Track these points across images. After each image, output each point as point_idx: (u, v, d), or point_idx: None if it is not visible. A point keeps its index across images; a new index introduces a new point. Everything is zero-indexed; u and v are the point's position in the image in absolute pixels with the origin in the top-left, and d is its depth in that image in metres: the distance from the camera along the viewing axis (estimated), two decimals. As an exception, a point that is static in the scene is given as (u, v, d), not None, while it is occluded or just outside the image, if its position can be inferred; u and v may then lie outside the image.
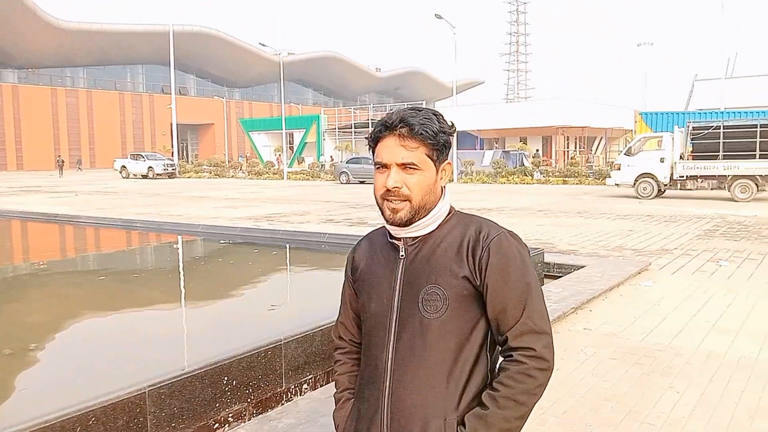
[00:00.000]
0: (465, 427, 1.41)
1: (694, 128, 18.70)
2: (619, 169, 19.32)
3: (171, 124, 45.31)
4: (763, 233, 10.87)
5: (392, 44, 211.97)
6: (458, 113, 36.43)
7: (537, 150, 40.94)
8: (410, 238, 1.50)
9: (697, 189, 18.53)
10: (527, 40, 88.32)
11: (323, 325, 4.36)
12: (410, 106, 1.62)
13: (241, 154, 60.47)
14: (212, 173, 40.17)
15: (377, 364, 1.49)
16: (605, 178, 26.59)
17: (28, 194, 24.92)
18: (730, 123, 18.64)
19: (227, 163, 45.78)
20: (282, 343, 4.06)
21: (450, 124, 1.52)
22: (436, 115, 1.49)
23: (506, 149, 37.36)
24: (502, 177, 29.10)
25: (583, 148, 45.16)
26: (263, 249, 9.13)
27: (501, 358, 1.48)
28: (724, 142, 17.74)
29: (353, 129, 47.34)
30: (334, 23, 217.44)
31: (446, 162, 1.51)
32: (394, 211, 1.46)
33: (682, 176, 18.38)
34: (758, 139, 17.36)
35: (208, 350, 3.95)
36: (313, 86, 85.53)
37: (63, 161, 45.92)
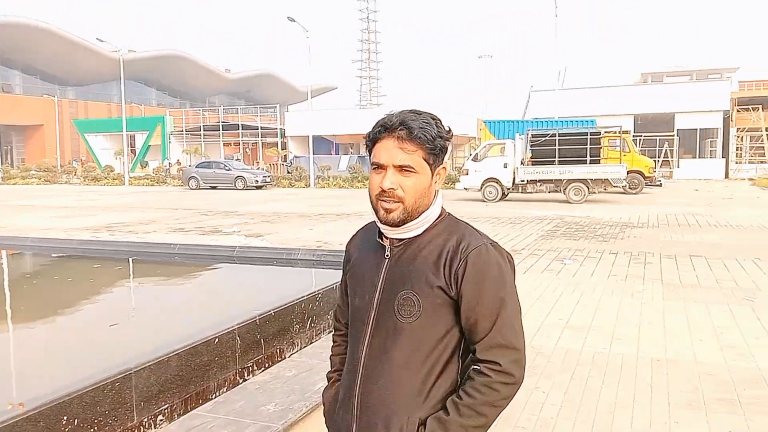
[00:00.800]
0: (425, 428, 1.46)
1: (532, 136, 20.13)
2: (467, 174, 20.28)
3: (-9, 124, 40.43)
4: (597, 232, 11.89)
5: (245, 46, 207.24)
6: (313, 118, 36.27)
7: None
8: (396, 239, 1.53)
9: (536, 192, 19.97)
10: (378, 48, 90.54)
11: (178, 349, 3.96)
12: (411, 109, 1.55)
13: (75, 158, 55.45)
14: (42, 179, 36.42)
15: (355, 356, 1.56)
16: (454, 182, 27.99)
17: None
18: (564, 131, 20.31)
19: (60, 168, 41.79)
20: (132, 372, 3.60)
21: (447, 129, 1.54)
22: (434, 119, 1.50)
23: (362, 154, 37.87)
24: (359, 182, 29.39)
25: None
26: (105, 263, 8.29)
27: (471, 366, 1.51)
28: (559, 149, 19.28)
29: (202, 131, 45.39)
30: (184, 23, 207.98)
31: (441, 166, 1.52)
32: (388, 211, 1.48)
33: (523, 180, 19.69)
34: (588, 146, 19.09)
35: (42, 385, 3.40)
36: (157, 86, 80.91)
37: None
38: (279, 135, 46.43)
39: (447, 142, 1.51)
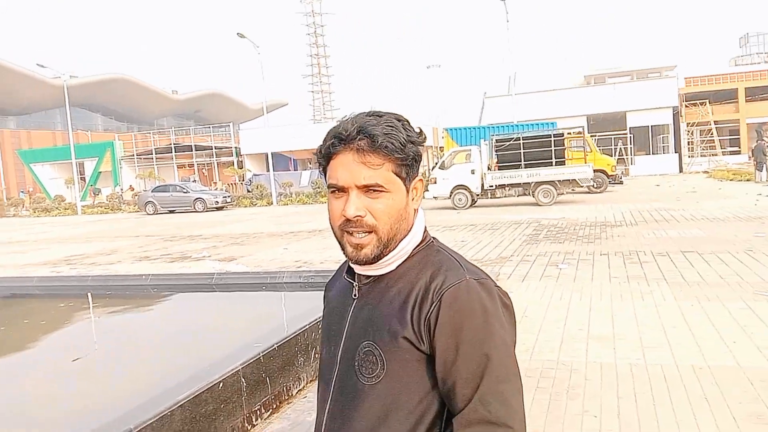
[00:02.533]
0: None
1: (497, 141, 20.04)
2: (435, 182, 20.03)
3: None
4: (579, 234, 11.73)
5: (189, 66, 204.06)
6: (269, 135, 35.58)
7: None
8: (364, 276, 1.22)
9: (506, 196, 19.86)
10: (328, 62, 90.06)
11: (181, 401, 3.46)
12: (369, 111, 1.19)
13: (22, 189, 53.18)
14: (-14, 213, 34.62)
15: (318, 419, 1.27)
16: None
17: None
18: (527, 134, 20.29)
19: (6, 200, 39.88)
20: (132, 432, 3.09)
21: (418, 131, 1.20)
22: (401, 120, 1.18)
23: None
24: (322, 196, 28.88)
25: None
26: (72, 301, 7.60)
27: None
28: (524, 152, 19.22)
29: (154, 154, 44.11)
30: (126, 45, 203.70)
31: (417, 179, 1.21)
32: (358, 247, 1.16)
33: (492, 186, 19.57)
34: (552, 148, 19.10)
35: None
36: (102, 111, 78.67)
37: None
38: (234, 154, 45.52)
39: (419, 147, 1.19)
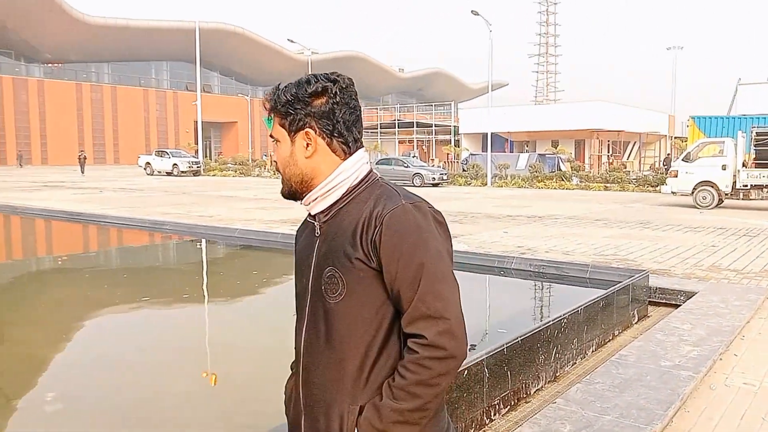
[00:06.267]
0: (363, 416, 1.35)
1: (757, 134, 17.38)
2: (676, 176, 18.01)
3: (195, 122, 44.70)
4: None
5: (414, 44, 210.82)
6: (488, 114, 35.17)
7: (570, 153, 39.63)
8: (321, 213, 1.44)
9: (762, 199, 17.19)
10: (557, 41, 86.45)
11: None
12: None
13: (264, 152, 59.78)
14: (237, 171, 39.40)
15: (297, 346, 1.48)
16: (649, 184, 25.36)
17: (52, 190, 24.23)
18: (800, 128, 17.27)
19: (251, 161, 45.02)
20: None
21: (328, 89, 1.40)
22: (300, 84, 1.41)
23: (543, 153, 36.08)
24: (539, 181, 27.88)
25: (618, 152, 43.73)
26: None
27: None
28: (794, 150, 16.40)
29: (379, 129, 46.36)
30: (355, 22, 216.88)
31: (303, 131, 1.41)
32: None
33: (746, 185, 17.05)
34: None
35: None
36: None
37: (85, 157, 45.37)
38: (452, 132, 46.02)
39: (308, 107, 1.40)
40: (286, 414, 1.57)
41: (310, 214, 1.48)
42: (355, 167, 1.43)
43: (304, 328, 1.44)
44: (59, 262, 9.04)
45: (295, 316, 1.51)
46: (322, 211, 1.44)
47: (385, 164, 30.39)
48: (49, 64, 62.80)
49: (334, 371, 1.39)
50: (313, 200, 1.44)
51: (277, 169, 1.48)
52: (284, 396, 1.60)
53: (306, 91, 1.39)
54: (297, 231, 1.58)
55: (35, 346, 5.12)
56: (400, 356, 1.36)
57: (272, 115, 1.44)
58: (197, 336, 5.42)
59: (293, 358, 1.55)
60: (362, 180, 1.43)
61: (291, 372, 1.59)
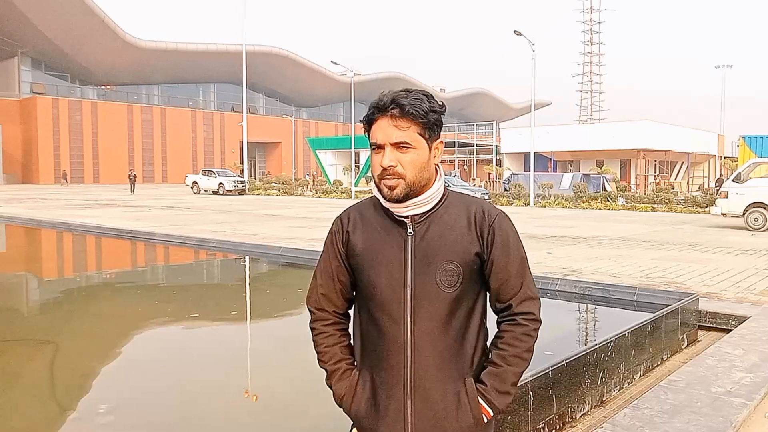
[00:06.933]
0: (485, 385, 1.60)
1: (813, 153, 16.78)
2: (727, 197, 17.50)
3: (241, 142, 45.71)
4: None
5: (454, 64, 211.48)
6: (530, 134, 34.93)
7: (615, 173, 38.95)
8: (417, 215, 1.60)
9: (819, 223, 16.53)
10: (601, 61, 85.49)
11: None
12: (402, 88, 1.60)
13: (307, 172, 60.59)
14: (281, 191, 40.03)
15: (394, 335, 1.58)
16: (699, 205, 24.70)
17: (104, 208, 25.07)
18: None
19: (294, 180, 45.69)
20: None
21: (440, 104, 1.59)
22: (426, 95, 1.57)
23: (587, 172, 35.55)
24: (584, 202, 27.45)
25: (666, 172, 42.74)
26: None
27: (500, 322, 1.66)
28: None
29: (421, 149, 46.47)
30: (396, 44, 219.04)
31: (438, 141, 1.62)
32: (391, 188, 1.56)
33: (803, 208, 16.44)
34: None
35: None
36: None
37: (135, 176, 46.85)
38: (494, 152, 45.82)
39: (440, 116, 1.58)
40: (348, 411, 1.67)
41: (389, 214, 1.62)
42: (443, 177, 1.69)
43: (409, 317, 1.57)
44: (110, 278, 9.35)
45: (375, 309, 1.61)
46: (418, 213, 1.60)
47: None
48: (103, 87, 65.38)
49: (449, 351, 1.58)
50: (425, 203, 1.60)
51: (382, 176, 1.56)
52: (337, 398, 1.68)
53: (438, 104, 1.58)
54: (346, 226, 1.68)
55: (89, 359, 5.30)
56: (486, 335, 1.67)
57: (399, 122, 1.53)
58: (243, 352, 5.52)
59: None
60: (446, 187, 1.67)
61: (341, 371, 1.68)
